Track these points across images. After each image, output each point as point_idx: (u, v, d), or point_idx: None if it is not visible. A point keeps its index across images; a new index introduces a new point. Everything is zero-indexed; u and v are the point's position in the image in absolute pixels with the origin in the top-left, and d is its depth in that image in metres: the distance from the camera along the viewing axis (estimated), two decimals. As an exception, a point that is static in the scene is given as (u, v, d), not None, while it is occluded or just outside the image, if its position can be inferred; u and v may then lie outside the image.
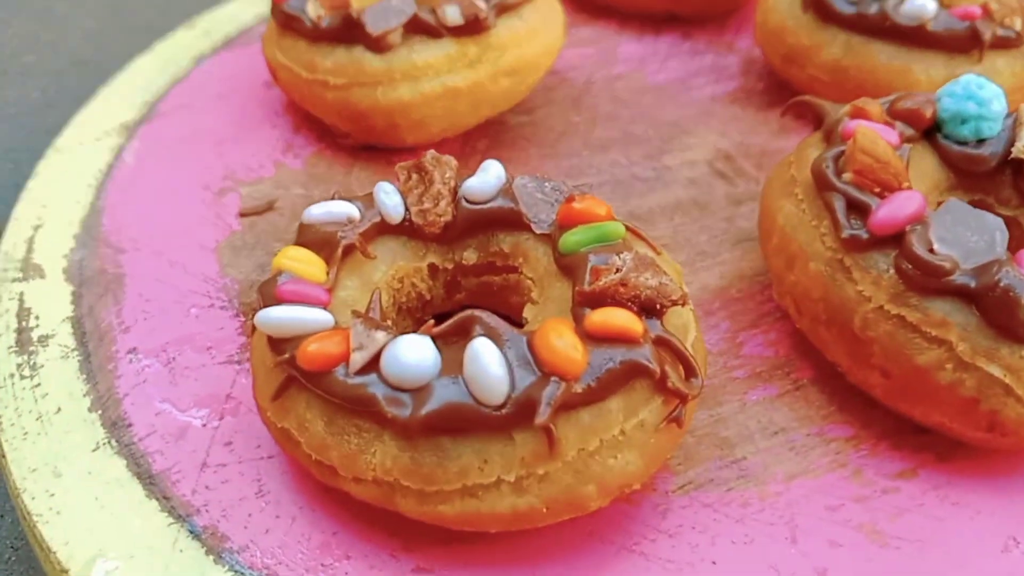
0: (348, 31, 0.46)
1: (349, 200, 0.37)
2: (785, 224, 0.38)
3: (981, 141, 0.41)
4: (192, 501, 0.35)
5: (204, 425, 0.37)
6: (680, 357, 0.32)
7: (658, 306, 0.31)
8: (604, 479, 0.30)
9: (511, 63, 0.48)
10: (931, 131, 0.41)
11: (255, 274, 0.43)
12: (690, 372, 0.32)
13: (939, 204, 0.41)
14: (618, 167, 0.50)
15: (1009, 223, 0.41)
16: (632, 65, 0.58)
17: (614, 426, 0.30)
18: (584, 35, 0.61)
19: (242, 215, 0.46)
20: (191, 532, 0.34)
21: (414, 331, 0.31)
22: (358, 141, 0.50)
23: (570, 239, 0.34)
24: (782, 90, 0.55)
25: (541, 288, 0.36)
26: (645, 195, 0.49)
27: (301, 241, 0.36)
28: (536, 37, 0.49)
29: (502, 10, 0.48)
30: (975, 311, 0.33)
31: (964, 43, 0.48)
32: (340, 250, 0.35)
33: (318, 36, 0.47)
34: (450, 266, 0.38)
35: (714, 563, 0.33)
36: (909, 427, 0.37)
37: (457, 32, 0.47)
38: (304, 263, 0.34)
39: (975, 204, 0.42)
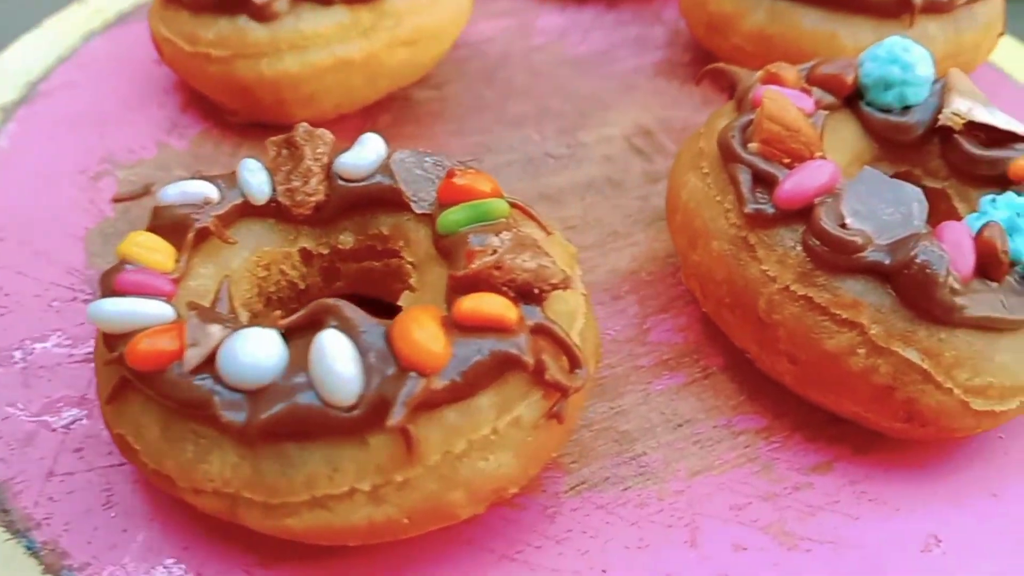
0: (230, 0, 0.43)
1: (210, 179, 0.34)
2: (689, 200, 0.35)
3: (907, 108, 0.38)
4: (33, 514, 0.31)
5: (54, 430, 0.33)
6: (562, 346, 0.28)
7: (536, 291, 0.28)
8: (474, 484, 0.27)
9: (409, 32, 0.44)
10: (853, 98, 0.39)
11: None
12: (574, 363, 0.28)
13: (861, 177, 0.39)
14: (530, 144, 0.47)
15: (936, 195, 0.39)
16: (552, 37, 0.55)
17: (484, 425, 0.27)
18: (503, 6, 0.57)
19: (115, 200, 0.43)
20: (29, 548, 0.30)
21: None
22: (247, 119, 0.46)
23: (448, 218, 0.31)
24: (708, 61, 0.52)
25: (421, 273, 0.32)
26: (557, 173, 0.45)
27: (153, 226, 0.32)
28: (438, 5, 0.45)
29: (399, -25, 0.44)
30: (890, 291, 0.30)
31: (894, 7, 0.45)
32: (192, 234, 0.31)
33: (200, 6, 0.43)
34: (325, 251, 0.35)
35: (604, 571, 0.30)
36: (824, 417, 0.34)
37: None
38: (150, 250, 0.31)
39: (901, 176, 0.39)
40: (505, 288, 0.28)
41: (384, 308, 0.35)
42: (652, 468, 0.33)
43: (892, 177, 0.39)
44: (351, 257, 0.35)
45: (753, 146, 0.33)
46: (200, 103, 0.48)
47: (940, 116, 0.37)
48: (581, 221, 0.43)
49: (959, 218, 0.38)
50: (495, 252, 0.28)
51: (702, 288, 0.35)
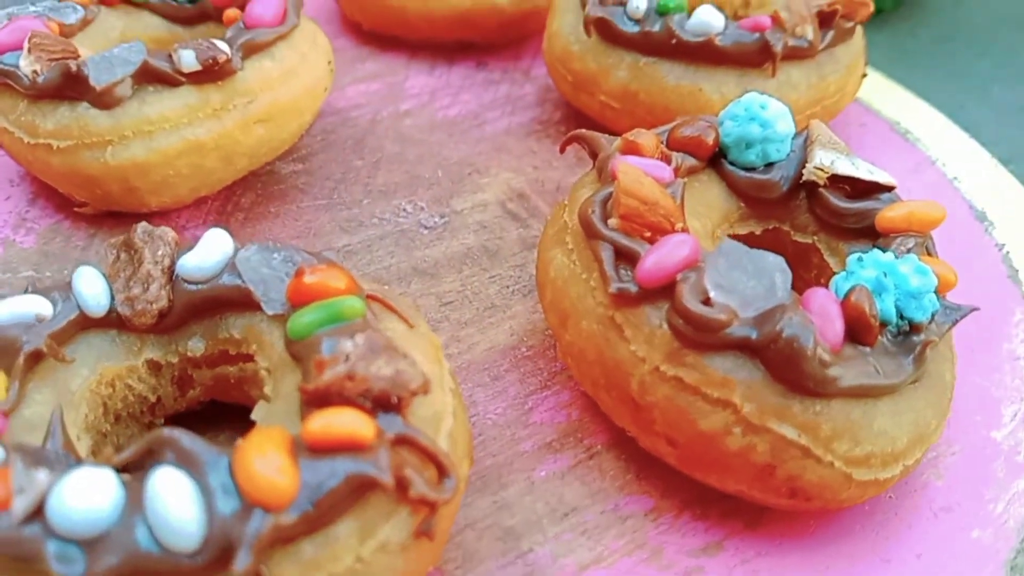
0: (70, 86, 0.40)
1: (43, 291, 0.31)
2: (556, 277, 0.34)
3: (770, 165, 0.38)
4: None
5: None
6: (428, 456, 0.27)
7: (395, 399, 0.26)
8: (343, 619, 0.25)
9: (264, 109, 0.42)
10: (716, 158, 0.38)
11: (-37, 381, 0.36)
12: (442, 472, 0.27)
13: (733, 238, 0.38)
14: (402, 215, 0.46)
15: (806, 250, 0.39)
16: (422, 100, 0.54)
17: (347, 554, 0.25)
18: (370, 69, 0.56)
19: (-47, 309, 0.39)
20: None
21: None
22: (99, 208, 0.43)
23: (299, 322, 0.29)
24: (579, 119, 0.52)
25: (275, 381, 0.30)
26: (431, 245, 0.44)
27: (-22, 351, 0.29)
28: (293, 78, 0.44)
29: (250, 51, 0.42)
30: (760, 365, 0.30)
31: (755, 57, 0.46)
32: (22, 359, 0.29)
33: (38, 94, 0.41)
34: (174, 359, 0.32)
35: None
36: (713, 492, 0.33)
37: (197, 79, 0.41)
38: (-28, 381, 0.28)
39: (770, 233, 0.39)
40: (360, 399, 0.26)
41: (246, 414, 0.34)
42: (540, 566, 0.31)
43: (761, 233, 0.39)
44: (203, 363, 0.33)
45: (613, 222, 0.32)
46: (50, 193, 0.45)
47: (804, 171, 0.37)
48: (458, 296, 0.41)
49: (831, 272, 0.38)
50: (347, 359, 0.27)
51: (577, 367, 0.34)
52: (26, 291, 0.31)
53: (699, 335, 0.30)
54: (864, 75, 0.50)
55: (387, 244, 0.44)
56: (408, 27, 0.56)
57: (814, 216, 0.38)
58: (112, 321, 0.31)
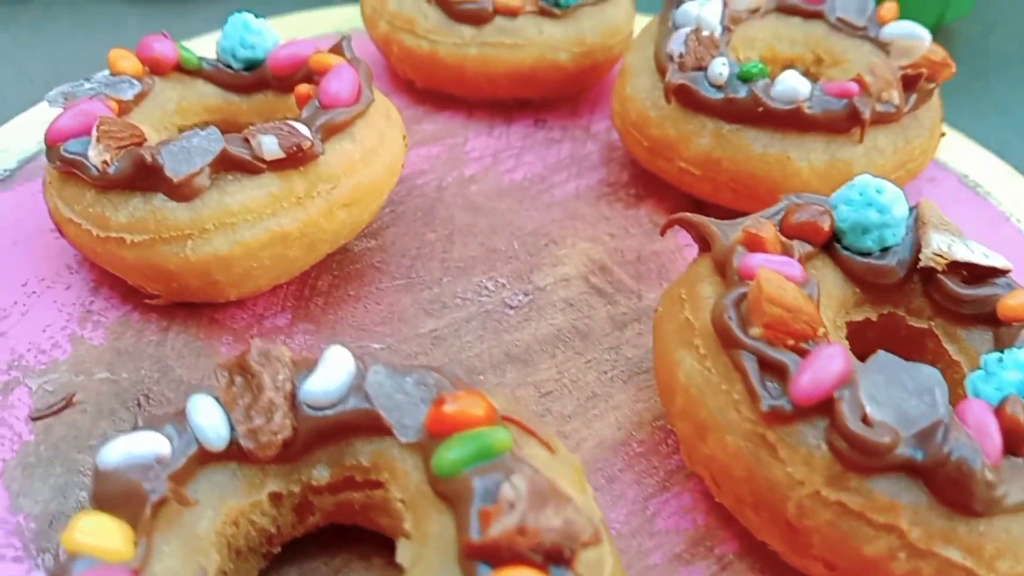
0: (144, 177, 0.38)
1: (155, 425, 0.29)
2: (689, 384, 0.33)
3: (885, 249, 0.37)
4: None
5: None
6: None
7: (568, 552, 0.25)
8: None
9: (347, 194, 0.41)
10: (829, 242, 0.37)
11: (55, 503, 0.34)
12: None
13: (848, 324, 0.37)
14: (485, 294, 0.44)
15: (923, 335, 0.38)
16: (485, 163, 0.52)
17: None
18: (428, 131, 0.54)
19: (34, 419, 0.37)
20: None
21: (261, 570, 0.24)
22: (171, 300, 0.41)
23: (446, 459, 0.27)
24: (647, 180, 0.51)
25: (415, 516, 0.29)
26: (520, 327, 0.42)
27: (99, 498, 0.27)
28: (374, 158, 0.42)
29: (330, 132, 0.41)
30: (923, 487, 0.28)
31: (843, 123, 0.44)
32: (149, 510, 0.27)
33: (108, 185, 0.39)
34: (296, 489, 0.30)
35: None
36: (856, 605, 0.32)
37: (278, 166, 0.39)
38: (102, 538, 0.26)
39: (884, 318, 0.38)
40: (531, 554, 0.25)
41: (360, 531, 0.32)
42: None
43: (877, 318, 0.38)
44: (326, 490, 0.31)
45: (756, 331, 0.31)
46: (113, 280, 0.43)
47: (921, 257, 0.36)
48: (557, 385, 0.40)
49: (948, 357, 0.37)
50: (513, 507, 0.25)
51: (716, 481, 0.32)
52: (136, 426, 0.29)
53: (863, 458, 0.28)
54: (943, 134, 0.49)
55: (474, 327, 0.42)
56: (465, 86, 0.54)
57: (930, 300, 0.37)
58: (232, 454, 0.29)
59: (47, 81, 0.65)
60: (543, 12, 0.52)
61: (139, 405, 0.38)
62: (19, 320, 0.41)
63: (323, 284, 0.44)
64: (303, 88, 0.43)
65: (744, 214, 0.47)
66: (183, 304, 0.42)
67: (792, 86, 0.44)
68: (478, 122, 0.55)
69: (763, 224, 0.35)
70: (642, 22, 0.61)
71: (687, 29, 0.46)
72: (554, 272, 0.45)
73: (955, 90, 0.70)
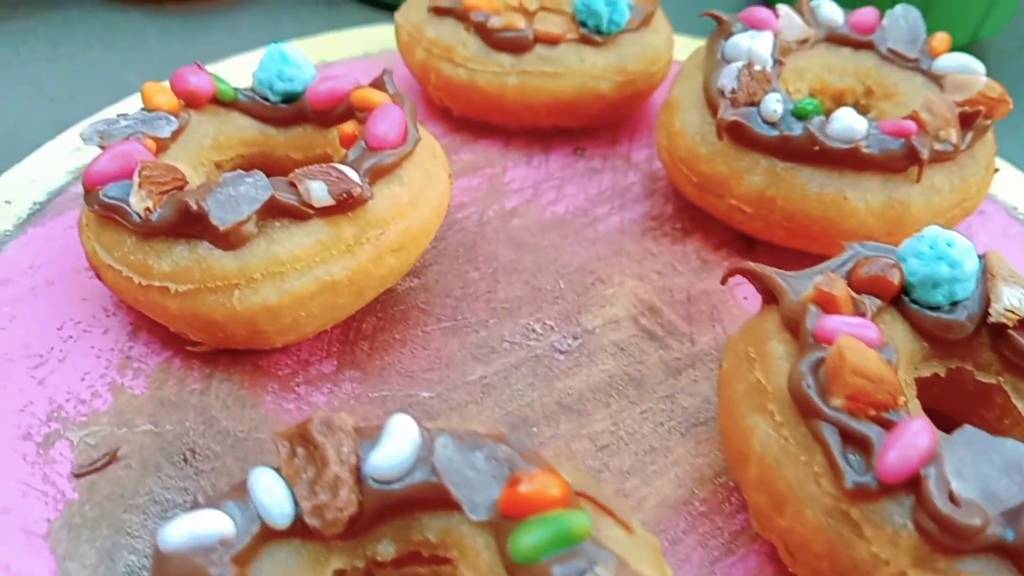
0: (189, 225, 0.37)
1: (216, 503, 0.28)
2: (765, 454, 0.31)
3: (954, 303, 0.36)
4: None
5: None
6: None
7: (657, 648, 0.24)
8: None
9: (396, 239, 0.39)
10: (897, 296, 0.36)
11: (103, 567, 0.33)
12: None
13: (916, 380, 0.36)
14: (533, 337, 0.43)
15: (990, 391, 0.37)
16: (526, 195, 0.51)
17: None
18: (467, 160, 0.53)
19: (77, 476, 0.36)
20: None
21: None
22: (213, 346, 0.40)
23: (524, 545, 0.26)
24: (694, 212, 0.49)
25: (488, 597, 0.28)
26: (571, 373, 0.41)
27: (161, 583, 0.26)
28: (422, 200, 0.41)
29: (378, 175, 0.39)
30: (1012, 568, 0.27)
31: (901, 162, 0.43)
32: (216, 597, 0.26)
33: (151, 232, 0.37)
34: (361, 564, 0.29)
35: None
36: None
37: (327, 212, 0.38)
38: (170, 630, 0.25)
39: (952, 372, 0.37)
40: (622, 652, 0.24)
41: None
42: None
43: (944, 374, 0.37)
44: (391, 565, 0.30)
45: (838, 402, 0.30)
46: (153, 325, 0.42)
47: (992, 312, 0.35)
48: (613, 437, 0.39)
49: (1016, 413, 0.36)
50: (599, 601, 0.24)
51: (793, 554, 0.31)
52: (196, 504, 0.28)
53: (952, 540, 0.27)
54: (996, 170, 0.48)
55: (524, 374, 0.41)
56: (504, 115, 0.53)
57: (998, 355, 0.36)
58: (296, 530, 0.28)
59: (69, 100, 0.64)
60: (584, 40, 0.51)
61: (185, 460, 0.37)
62: (57, 367, 0.40)
63: (368, 327, 0.43)
64: (348, 127, 0.42)
65: (796, 252, 0.46)
66: (225, 349, 0.41)
67: (849, 124, 0.43)
68: (516, 151, 0.54)
69: (835, 281, 0.34)
70: (680, 43, 0.60)
71: (739, 63, 0.45)
72: (602, 313, 0.44)
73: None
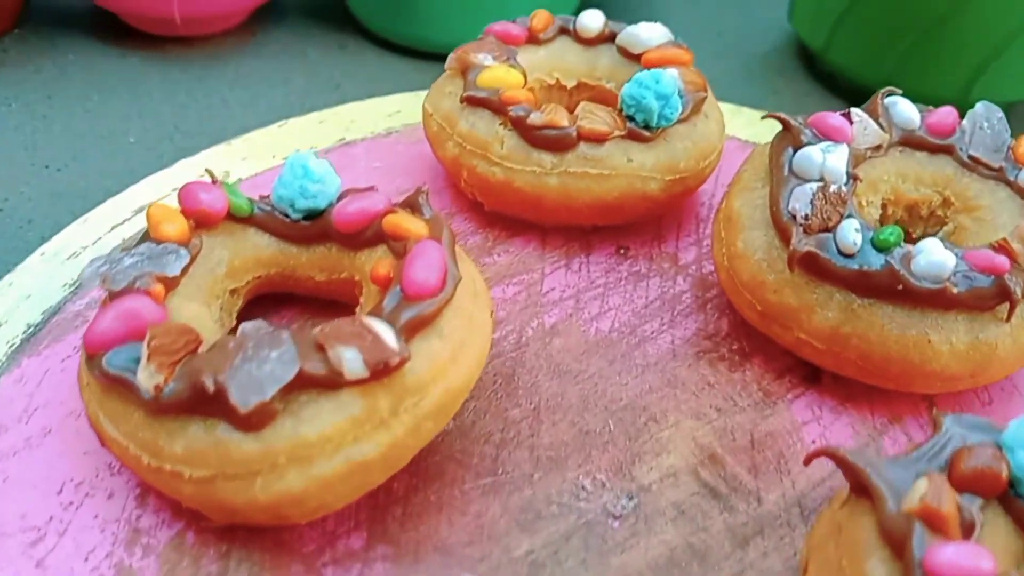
0: (205, 403, 0.33)
1: None
2: None
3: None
4: None
5: None
6: None
7: None
8: None
9: (436, 403, 0.35)
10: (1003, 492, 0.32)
11: None
12: None
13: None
14: (583, 497, 0.39)
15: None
16: (567, 309, 0.46)
17: None
18: (502, 264, 0.48)
19: None
20: None
21: None
22: (225, 524, 0.36)
23: None
24: (752, 330, 0.45)
25: None
26: (627, 545, 0.37)
27: None
28: (464, 353, 0.36)
29: (415, 329, 0.35)
30: None
31: (991, 301, 0.39)
32: None
33: (161, 410, 0.33)
34: None
35: None
36: None
37: (361, 382, 0.34)
38: None
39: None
40: None
41: None
42: None
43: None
44: None
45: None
46: (166, 497, 0.37)
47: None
48: (677, 632, 0.35)
49: None
50: None
51: None
52: None
53: None
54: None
55: (575, 547, 0.37)
56: (541, 213, 0.48)
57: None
58: None
59: (63, 164, 0.59)
60: (631, 136, 0.46)
61: (203, 668, 0.33)
62: (56, 543, 0.36)
63: (399, 487, 0.38)
64: (383, 269, 0.38)
65: (865, 385, 0.42)
66: (243, 527, 0.36)
67: (937, 260, 0.38)
68: (554, 250, 0.49)
69: (943, 493, 0.30)
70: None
71: (813, 185, 0.40)
72: (658, 464, 0.40)
73: None
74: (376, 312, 0.36)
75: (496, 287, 0.47)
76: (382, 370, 0.33)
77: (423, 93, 0.57)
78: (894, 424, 0.42)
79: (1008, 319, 0.39)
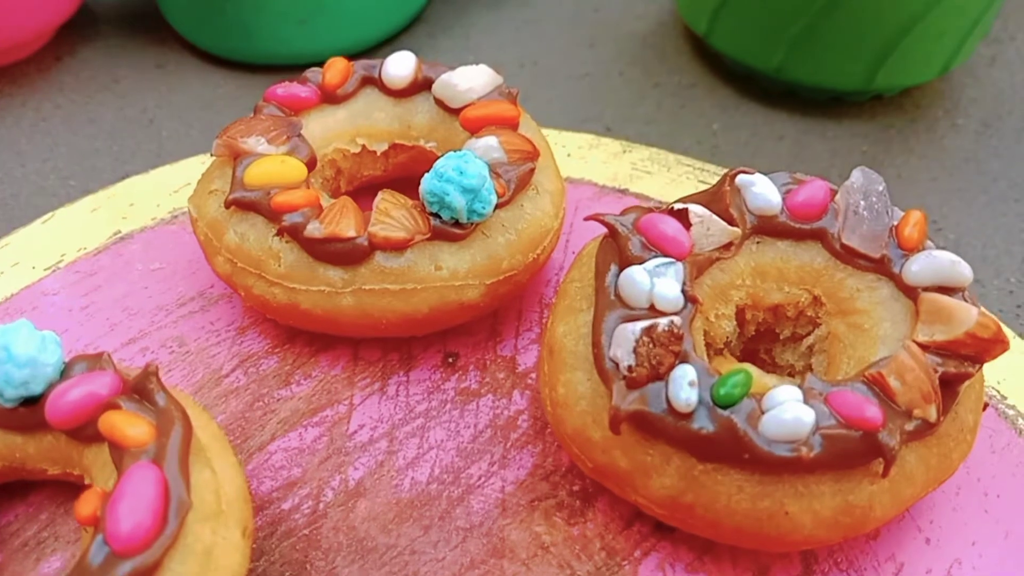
0: None
1: None
2: None
3: None
4: None
5: None
6: None
7: None
8: None
9: None
10: None
11: None
12: None
13: None
14: None
15: None
16: (377, 454, 0.39)
17: None
18: (301, 395, 0.40)
19: None
20: None
21: None
22: None
23: None
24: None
25: None
26: None
27: None
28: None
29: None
30: None
31: (860, 459, 0.32)
32: None
33: None
34: None
35: None
36: None
37: None
38: None
39: None
40: None
41: None
42: None
43: None
44: None
45: None
46: None
47: None
48: None
49: None
50: None
51: None
52: None
53: None
54: (985, 406, 0.36)
55: None
56: (342, 330, 0.40)
57: None
58: None
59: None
60: (438, 235, 0.38)
61: None
62: None
63: None
64: (86, 508, 0.30)
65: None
66: None
67: (791, 419, 0.31)
68: (367, 368, 0.41)
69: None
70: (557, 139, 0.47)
71: (636, 328, 0.32)
72: (474, 672, 0.33)
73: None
74: (81, 571, 0.28)
75: (292, 432, 0.39)
76: None
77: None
78: (760, 582, 0.36)
79: (885, 475, 0.32)
